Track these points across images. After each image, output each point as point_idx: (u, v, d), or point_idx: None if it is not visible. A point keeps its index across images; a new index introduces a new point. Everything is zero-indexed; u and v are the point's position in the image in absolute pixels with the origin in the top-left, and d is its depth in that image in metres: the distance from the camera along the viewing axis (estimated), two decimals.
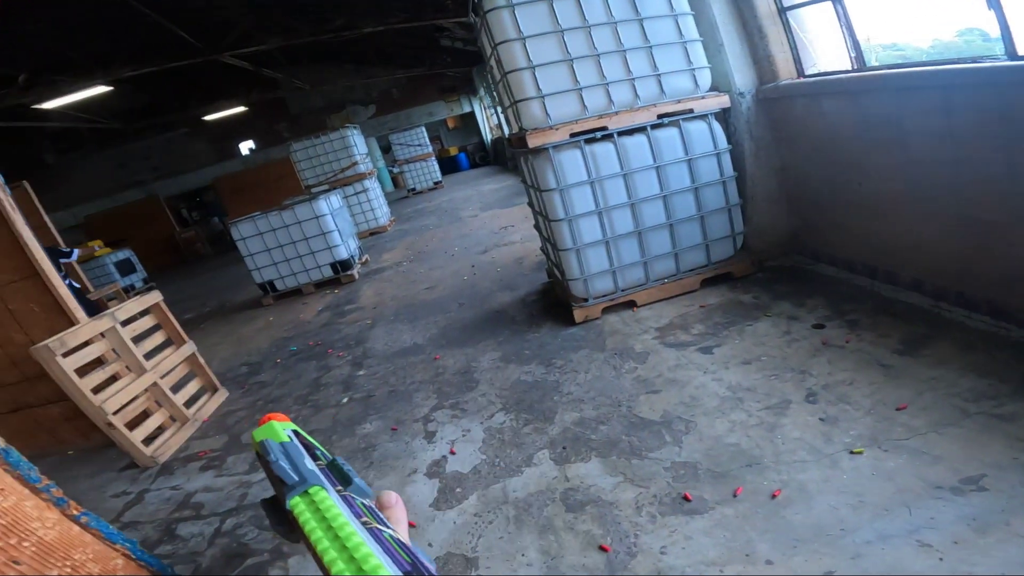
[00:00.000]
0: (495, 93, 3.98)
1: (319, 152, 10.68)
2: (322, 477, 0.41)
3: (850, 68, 3.05)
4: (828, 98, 3.08)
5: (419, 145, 15.85)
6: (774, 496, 1.84)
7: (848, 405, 2.18)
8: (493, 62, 3.50)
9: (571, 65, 3.25)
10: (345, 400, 3.48)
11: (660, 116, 3.36)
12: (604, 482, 2.12)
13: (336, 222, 6.99)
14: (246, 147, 17.38)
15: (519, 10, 3.16)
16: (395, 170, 18.69)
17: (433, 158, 16.11)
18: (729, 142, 3.53)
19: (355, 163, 10.63)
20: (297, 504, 0.39)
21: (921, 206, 2.71)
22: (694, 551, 1.72)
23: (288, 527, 0.40)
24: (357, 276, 7.02)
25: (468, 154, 20.83)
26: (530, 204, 4.11)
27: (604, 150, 3.36)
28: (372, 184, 10.96)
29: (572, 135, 3.28)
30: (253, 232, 6.81)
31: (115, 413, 3.17)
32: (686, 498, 1.93)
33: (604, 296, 3.57)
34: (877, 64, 3.04)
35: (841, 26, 3.00)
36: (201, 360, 3.98)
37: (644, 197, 3.44)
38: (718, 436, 2.21)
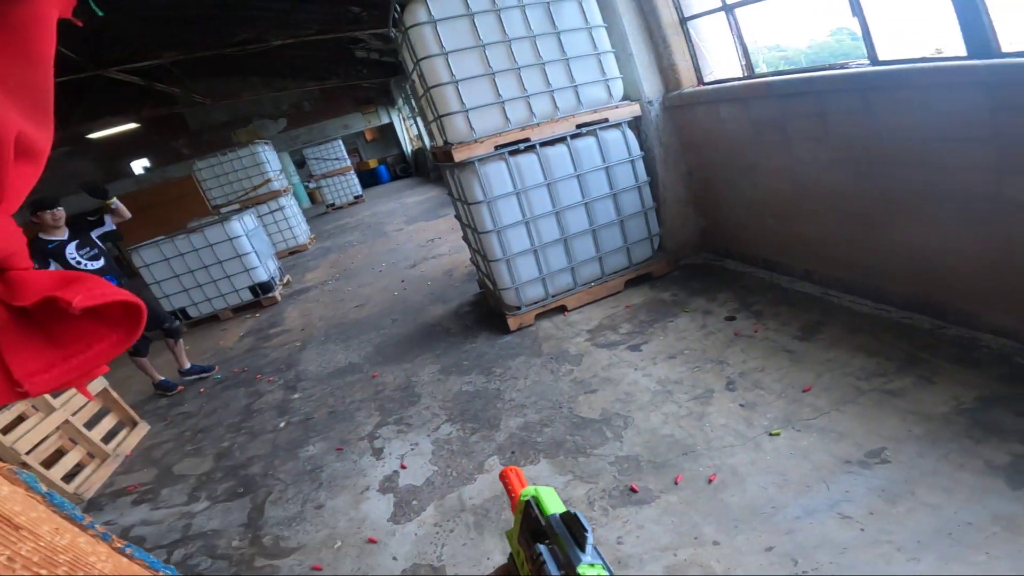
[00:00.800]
0: (418, 106, 4.00)
1: (227, 170, 10.12)
2: (601, 559, 0.47)
3: (741, 75, 3.35)
4: (724, 105, 3.36)
5: (336, 159, 15.43)
6: (710, 481, 2.00)
7: (762, 390, 2.41)
8: (415, 76, 3.53)
9: (493, 79, 3.35)
10: (283, 424, 3.37)
11: (579, 126, 3.54)
12: (555, 481, 2.21)
13: (252, 243, 6.68)
14: (140, 166, 16.11)
15: (441, 26, 3.22)
16: (311, 185, 18.06)
17: (352, 172, 15.74)
18: (641, 148, 3.76)
19: (269, 180, 10.19)
20: (586, 570, 0.45)
21: (806, 203, 3.04)
22: (648, 538, 1.84)
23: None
24: (279, 298, 6.74)
25: (388, 166, 20.50)
26: (457, 216, 4.16)
27: (528, 161, 3.48)
28: (288, 201, 10.54)
29: (496, 147, 3.38)
30: (158, 258, 6.36)
31: (28, 453, 3.00)
32: (633, 490, 2.06)
33: (536, 303, 3.69)
34: (765, 68, 3.35)
35: (733, 35, 3.30)
36: (114, 394, 3.71)
37: (567, 205, 3.59)
38: (654, 428, 2.36)
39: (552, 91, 3.49)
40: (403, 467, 2.58)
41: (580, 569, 0.45)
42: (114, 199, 4.35)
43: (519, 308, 3.66)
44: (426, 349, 3.83)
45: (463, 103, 3.31)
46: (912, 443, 1.91)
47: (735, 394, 2.44)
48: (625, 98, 3.78)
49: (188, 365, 4.58)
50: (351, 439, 2.97)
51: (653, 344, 3.01)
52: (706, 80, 3.65)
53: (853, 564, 1.54)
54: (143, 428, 3.86)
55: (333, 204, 15.71)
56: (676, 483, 2.03)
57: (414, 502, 2.33)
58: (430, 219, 9.31)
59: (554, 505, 0.54)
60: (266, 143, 10.76)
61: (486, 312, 4.13)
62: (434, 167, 14.34)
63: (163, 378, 4.45)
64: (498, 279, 3.59)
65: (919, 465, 1.82)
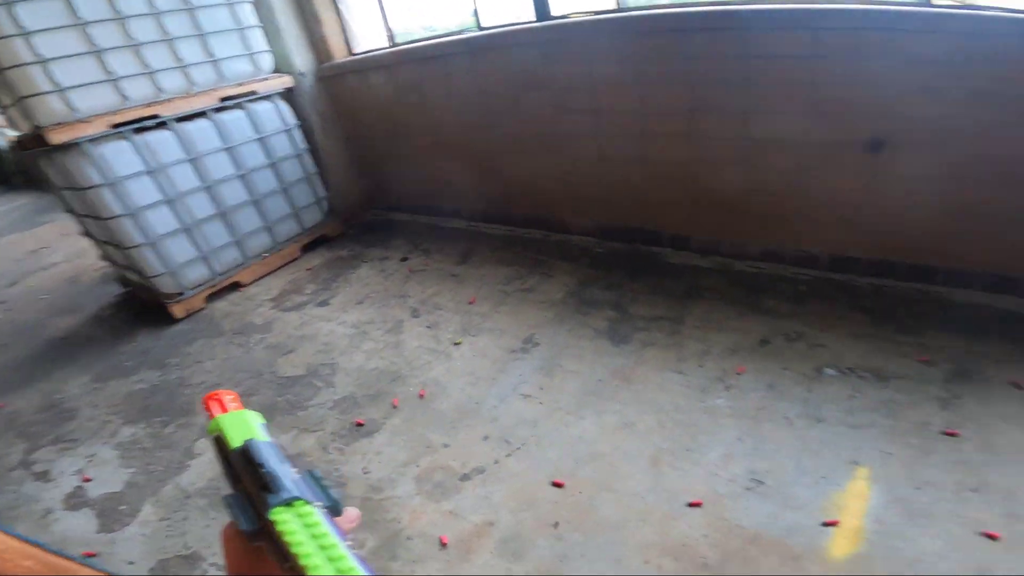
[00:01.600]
0: None
1: None
2: (307, 490, 0.39)
3: (386, 45, 3.68)
4: (372, 72, 3.63)
5: None
6: (421, 396, 2.28)
7: (441, 311, 2.84)
8: None
9: (100, 57, 2.83)
10: None
11: (223, 99, 3.30)
12: (281, 439, 2.20)
13: None
14: None
15: (20, 6, 2.55)
16: None
17: None
18: (299, 118, 3.76)
19: None
20: (280, 514, 0.36)
21: (445, 153, 3.60)
22: (389, 460, 2.01)
23: (255, 533, 0.37)
24: None
25: None
26: (71, 212, 3.39)
27: (160, 138, 3.09)
28: None
29: (114, 126, 2.89)
30: None
31: None
32: (359, 424, 2.20)
33: (202, 284, 3.36)
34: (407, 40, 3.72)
35: (380, 10, 3.61)
36: None
37: (220, 178, 3.34)
38: (360, 366, 2.54)
39: (185, 67, 3.16)
40: (86, 480, 2.19)
41: (271, 514, 0.36)
42: None
43: (181, 294, 3.27)
44: (64, 363, 3.09)
45: (56, 83, 2.71)
46: (548, 326, 2.56)
47: (420, 319, 2.81)
48: (275, 71, 3.69)
49: None
50: None
51: (340, 296, 3.16)
52: (355, 51, 3.85)
53: (545, 432, 1.99)
54: None
55: None
56: (394, 407, 2.26)
57: (122, 507, 2.04)
58: (27, 229, 7.10)
59: (241, 434, 0.43)
60: None
61: (139, 308, 3.54)
62: (19, 170, 10.87)
63: None
64: (145, 267, 3.12)
65: (557, 342, 2.44)
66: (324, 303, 3.12)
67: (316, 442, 2.18)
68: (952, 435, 1.69)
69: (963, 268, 2.22)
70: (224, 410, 0.47)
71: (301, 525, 0.35)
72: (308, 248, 3.85)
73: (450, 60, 3.20)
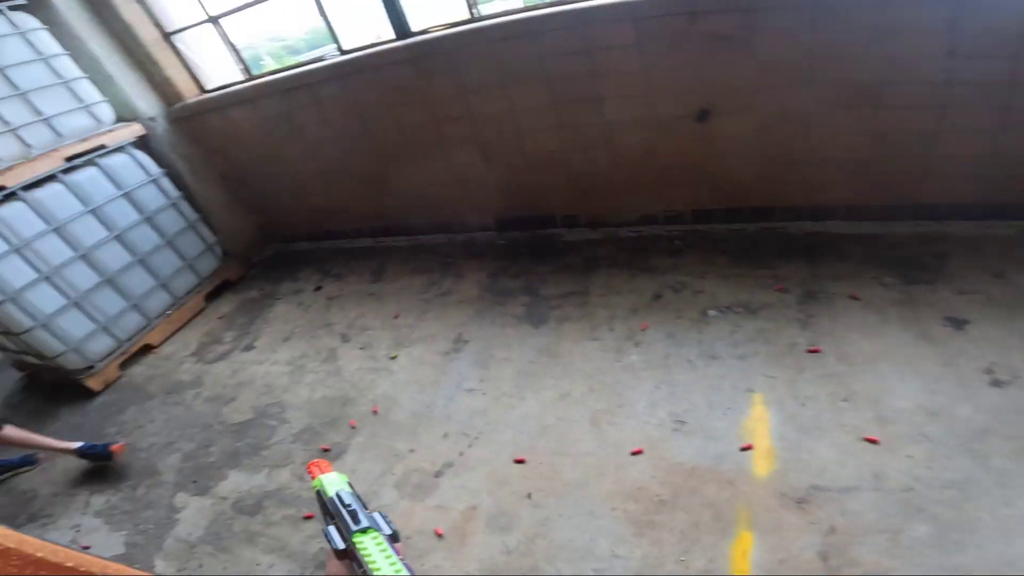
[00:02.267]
0: None
1: None
2: (377, 522, 0.58)
3: (243, 78, 3.57)
4: (233, 108, 3.55)
5: None
6: (375, 412, 2.42)
7: (370, 330, 2.96)
8: None
9: None
10: None
11: (69, 159, 3.09)
12: (255, 481, 2.28)
13: None
14: None
15: None
16: None
17: None
18: (161, 166, 3.58)
19: None
20: (359, 538, 0.56)
21: (330, 175, 3.62)
22: (365, 474, 2.15)
23: (344, 552, 0.57)
24: None
25: None
26: None
27: (13, 211, 2.86)
28: None
29: None
30: None
31: None
32: (325, 449, 2.31)
33: (111, 354, 3.20)
34: (270, 61, 3.62)
35: (225, 43, 3.47)
36: None
37: (94, 244, 3.17)
38: (307, 398, 2.63)
39: (15, 129, 2.93)
40: (85, 547, 2.21)
41: (353, 537, 0.55)
42: None
43: (91, 367, 3.10)
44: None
45: None
46: (472, 322, 2.77)
47: (352, 343, 2.92)
48: (120, 120, 3.47)
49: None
50: None
51: (264, 337, 3.17)
52: (208, 88, 3.70)
53: (496, 418, 2.20)
54: None
55: None
56: (353, 427, 2.39)
57: (136, 565, 2.06)
58: None
59: (333, 488, 0.66)
60: None
61: (49, 389, 3.30)
62: None
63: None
64: (44, 349, 2.93)
65: (484, 335, 2.65)
66: (249, 347, 3.12)
67: (291, 474, 2.27)
68: (815, 352, 2.08)
69: (790, 204, 2.76)
70: (323, 471, 0.72)
71: (373, 545, 0.54)
72: (213, 296, 3.75)
73: (318, 87, 3.24)
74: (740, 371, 2.12)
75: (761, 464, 1.78)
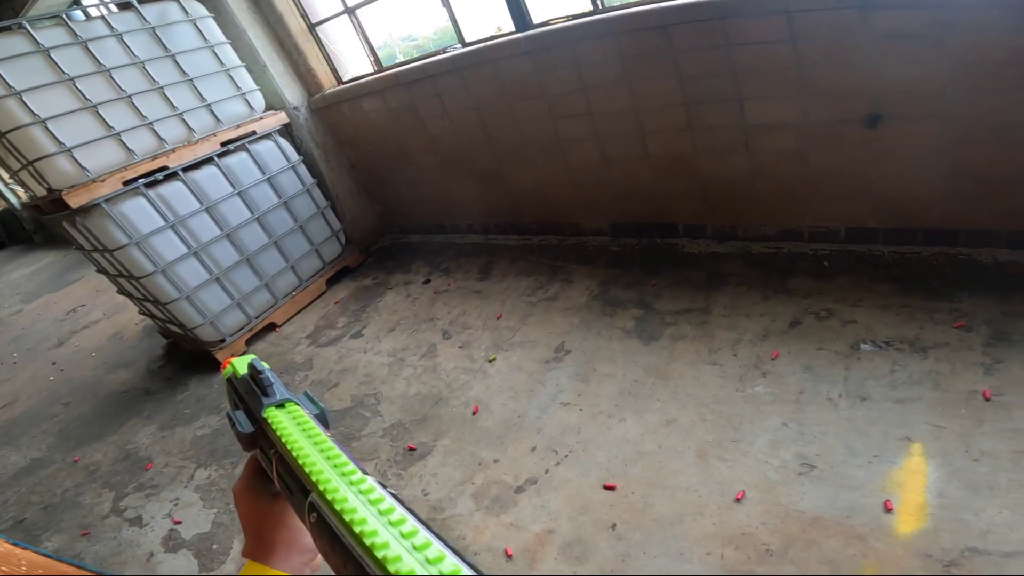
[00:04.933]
0: None
1: None
2: (299, 399, 0.45)
3: (373, 70, 3.71)
4: (365, 99, 3.68)
5: None
6: (475, 412, 2.34)
7: (470, 329, 2.90)
8: None
9: (96, 111, 2.90)
10: None
11: (224, 143, 3.39)
12: None
13: None
14: None
15: (2, 66, 2.63)
16: None
17: None
18: (300, 153, 3.82)
19: None
20: (273, 413, 0.42)
21: (450, 170, 3.64)
22: (445, 481, 2.09)
23: (252, 436, 0.43)
24: None
25: None
26: (102, 271, 3.52)
27: (173, 190, 3.18)
28: None
29: (126, 183, 2.98)
30: None
31: None
32: (411, 449, 2.29)
33: (240, 330, 3.48)
34: (401, 58, 3.73)
35: (359, 35, 3.63)
36: None
37: (237, 224, 3.44)
38: (403, 393, 2.62)
39: (181, 114, 3.25)
40: (177, 523, 2.35)
41: (265, 412, 0.42)
42: None
43: (223, 341, 3.40)
44: (130, 416, 3.28)
45: (61, 143, 2.79)
46: (577, 331, 2.59)
47: (452, 340, 2.88)
48: (268, 108, 3.76)
49: None
50: (93, 522, 2.53)
51: (372, 326, 3.25)
52: (344, 79, 3.89)
53: (589, 437, 2.04)
54: None
55: None
56: (441, 430, 2.33)
57: (214, 546, 2.18)
58: (57, 289, 7.34)
59: (245, 366, 0.51)
60: None
61: (186, 358, 3.69)
62: (38, 228, 11.14)
63: None
64: (185, 320, 3.25)
65: (588, 347, 2.47)
66: (358, 334, 3.22)
67: (374, 469, 2.26)
68: (988, 398, 1.68)
69: (983, 228, 2.22)
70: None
71: (292, 422, 0.40)
72: (332, 281, 3.95)
73: (439, 79, 3.24)
74: (896, 416, 1.74)
75: (907, 521, 1.46)
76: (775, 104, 2.34)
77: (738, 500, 1.65)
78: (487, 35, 3.08)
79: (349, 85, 3.76)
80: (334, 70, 3.90)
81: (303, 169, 3.82)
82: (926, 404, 1.75)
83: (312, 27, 3.74)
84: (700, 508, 1.68)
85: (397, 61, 3.63)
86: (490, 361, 2.62)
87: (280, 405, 0.43)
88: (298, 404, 0.43)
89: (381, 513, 0.28)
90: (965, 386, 1.76)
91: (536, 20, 2.84)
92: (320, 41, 3.79)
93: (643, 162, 2.85)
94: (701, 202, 2.82)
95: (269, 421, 0.41)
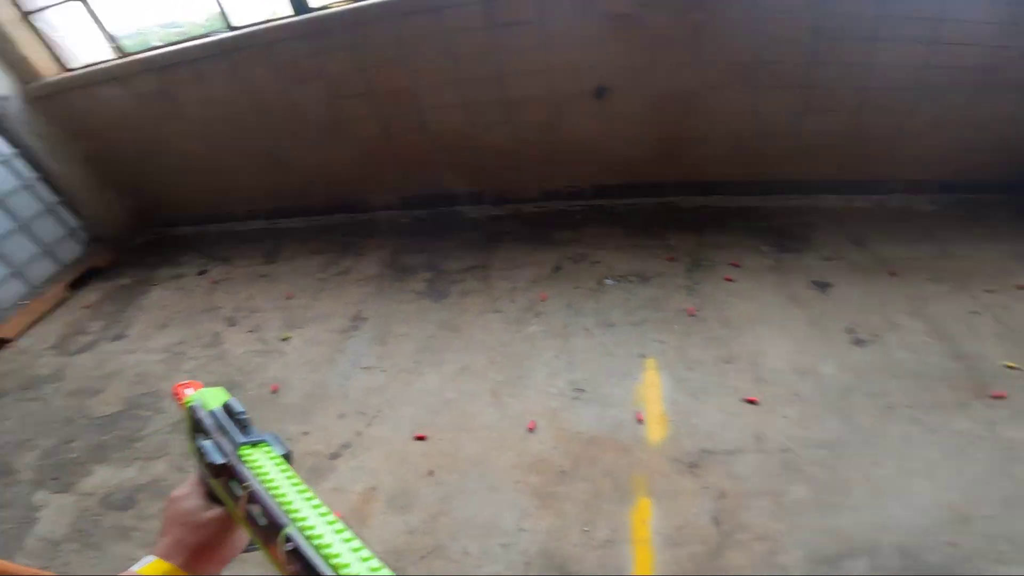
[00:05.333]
0: None
1: None
2: (273, 441, 0.47)
3: (112, 57, 3.21)
4: (103, 86, 3.18)
5: None
6: (274, 391, 2.25)
7: (259, 313, 2.76)
8: None
9: None
10: None
11: None
12: (126, 475, 2.07)
13: None
14: None
15: None
16: None
17: None
18: (15, 146, 3.15)
19: None
20: (248, 452, 0.45)
21: (221, 155, 3.35)
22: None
23: (220, 468, 0.44)
24: None
25: None
26: None
27: None
28: None
29: None
30: None
31: None
32: None
33: None
34: (155, 44, 3.23)
35: (96, 22, 3.14)
36: None
37: None
38: None
39: None
40: None
41: (240, 450, 0.45)
42: None
43: None
44: None
45: None
46: (372, 299, 2.67)
47: (239, 326, 2.71)
48: None
49: None
50: None
51: (137, 326, 2.87)
52: (71, 67, 3.28)
53: (394, 395, 2.12)
54: None
55: None
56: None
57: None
58: None
59: (217, 401, 0.52)
60: None
61: None
62: None
63: None
64: None
65: (383, 312, 2.56)
66: (120, 336, 2.81)
67: (168, 466, 2.07)
68: (692, 314, 2.19)
69: (680, 179, 2.89)
70: (197, 388, 0.57)
71: (266, 458, 0.44)
72: (77, 285, 3.34)
73: (201, 63, 2.98)
74: (633, 337, 2.18)
75: (655, 430, 1.83)
76: (529, 79, 2.69)
77: (531, 430, 1.90)
78: (262, 19, 2.90)
79: (79, 72, 3.23)
80: (58, 58, 3.26)
81: (20, 164, 3.18)
82: (652, 324, 2.21)
83: (27, 15, 3.09)
84: (501, 443, 1.88)
85: (152, 46, 3.18)
86: (284, 340, 2.55)
87: (254, 444, 0.46)
88: (269, 445, 0.46)
89: (345, 541, 0.34)
90: (676, 305, 2.28)
91: (313, 4, 2.77)
92: (37, 28, 3.14)
93: (423, 136, 3.01)
94: (477, 172, 3.11)
95: (244, 459, 0.44)
